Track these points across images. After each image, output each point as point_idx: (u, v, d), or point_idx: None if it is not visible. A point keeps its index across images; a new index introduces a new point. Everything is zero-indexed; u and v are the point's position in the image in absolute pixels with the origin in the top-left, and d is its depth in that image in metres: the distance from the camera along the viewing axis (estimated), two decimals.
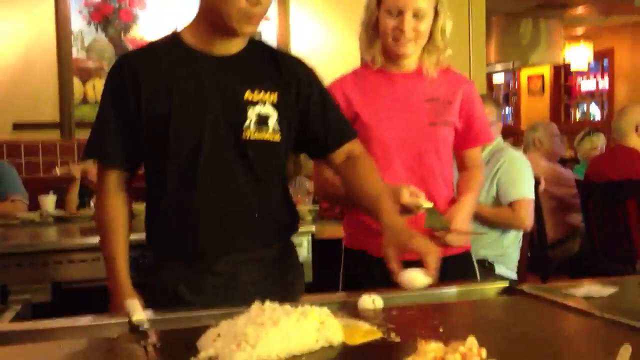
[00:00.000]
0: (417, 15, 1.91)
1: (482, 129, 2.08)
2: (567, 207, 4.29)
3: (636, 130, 3.76)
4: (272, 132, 1.63)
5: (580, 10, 7.97)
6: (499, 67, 9.45)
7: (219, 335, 1.19)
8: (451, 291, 1.70)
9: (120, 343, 1.30)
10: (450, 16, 1.99)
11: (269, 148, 1.64)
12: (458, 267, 1.99)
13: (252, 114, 1.61)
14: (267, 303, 1.29)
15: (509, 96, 11.68)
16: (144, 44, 1.74)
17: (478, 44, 5.21)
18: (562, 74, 10.51)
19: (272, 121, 1.63)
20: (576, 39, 8.81)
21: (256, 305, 1.28)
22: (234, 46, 1.64)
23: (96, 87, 4.93)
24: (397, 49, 1.94)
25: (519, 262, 3.25)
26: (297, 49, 4.89)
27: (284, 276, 1.73)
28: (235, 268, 1.65)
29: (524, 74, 10.99)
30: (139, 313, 1.36)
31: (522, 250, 3.26)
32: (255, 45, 1.69)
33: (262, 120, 1.62)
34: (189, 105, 1.59)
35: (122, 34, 4.98)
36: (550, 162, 4.45)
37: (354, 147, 1.79)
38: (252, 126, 1.61)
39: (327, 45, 5.10)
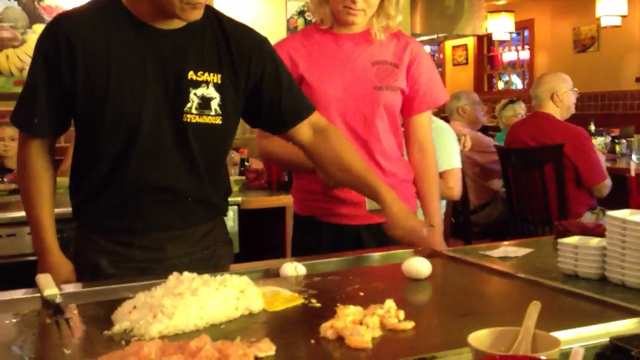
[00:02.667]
0: None
1: (429, 93, 2.01)
2: (488, 173, 4.41)
3: (552, 97, 3.88)
4: (214, 115, 1.56)
5: None
6: (424, 38, 9.56)
7: (134, 307, 1.17)
8: (373, 256, 1.73)
9: (32, 318, 1.25)
10: None
11: (210, 131, 1.56)
12: None
13: (194, 96, 1.53)
14: (185, 273, 1.27)
15: None
16: (59, 11, 1.62)
17: (403, 16, 5.23)
18: (485, 45, 10.74)
19: (215, 104, 1.55)
20: (498, 10, 8.98)
21: (174, 276, 1.26)
22: (179, 20, 1.52)
23: (10, 58, 4.70)
24: (347, 17, 1.89)
25: (442, 228, 3.32)
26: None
27: (211, 249, 1.69)
28: (161, 243, 1.61)
29: (449, 45, 11.16)
30: (51, 287, 1.31)
31: (446, 216, 3.33)
32: (204, 16, 1.53)
33: (205, 103, 1.54)
34: (128, 82, 1.50)
35: (35, 2, 4.75)
36: (472, 130, 4.55)
37: (317, 119, 1.71)
38: (194, 109, 1.53)
39: (251, 17, 5.02)
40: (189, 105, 1.53)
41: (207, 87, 1.55)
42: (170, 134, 1.54)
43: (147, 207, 1.58)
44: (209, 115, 1.55)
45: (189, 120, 1.54)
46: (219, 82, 1.56)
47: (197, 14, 1.48)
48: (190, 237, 1.64)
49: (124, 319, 1.15)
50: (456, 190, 3.12)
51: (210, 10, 1.59)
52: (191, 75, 1.53)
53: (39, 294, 1.34)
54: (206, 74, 1.55)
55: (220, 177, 1.69)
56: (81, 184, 1.62)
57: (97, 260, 1.59)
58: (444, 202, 3.25)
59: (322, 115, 1.74)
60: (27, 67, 1.61)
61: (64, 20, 1.53)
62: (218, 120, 1.57)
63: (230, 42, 1.59)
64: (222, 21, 1.61)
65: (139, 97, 1.51)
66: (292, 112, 1.69)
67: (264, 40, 1.67)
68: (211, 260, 1.66)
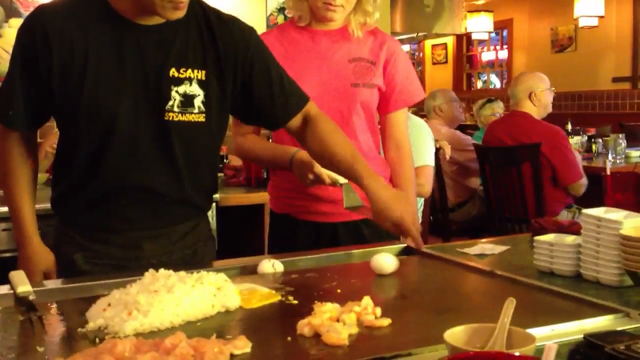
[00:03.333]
0: None
1: (405, 90, 2.00)
2: (467, 171, 4.44)
3: (529, 97, 3.92)
4: (197, 113, 1.52)
5: None
6: (404, 37, 9.59)
7: (109, 304, 1.16)
8: (351, 253, 1.73)
9: (4, 316, 1.23)
10: None
11: (193, 129, 1.53)
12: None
13: (176, 94, 1.50)
14: (162, 270, 1.26)
15: (414, 66, 11.91)
16: (35, 5, 1.59)
17: (382, 14, 5.23)
18: (464, 44, 10.80)
19: (198, 101, 1.52)
20: (477, 9, 9.04)
21: (149, 273, 1.25)
22: None
23: None
24: (326, 13, 1.88)
25: (421, 225, 3.33)
26: None
27: (192, 248, 1.67)
28: (138, 242, 1.59)
29: (428, 44, 11.21)
30: (24, 284, 1.29)
31: (423, 213, 3.35)
32: (190, 9, 1.49)
33: (187, 101, 1.51)
34: (105, 78, 1.47)
35: None
36: (451, 128, 4.58)
37: (309, 109, 1.68)
38: (176, 107, 1.50)
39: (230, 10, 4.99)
40: (170, 103, 1.50)
41: (190, 84, 1.52)
42: (150, 133, 1.51)
43: (124, 206, 1.56)
44: (192, 113, 1.52)
45: (171, 119, 1.51)
46: (204, 78, 1.53)
47: (179, 14, 1.45)
48: (168, 236, 1.62)
49: (98, 316, 1.13)
50: (426, 187, 3.13)
51: (195, 2, 1.55)
52: (173, 72, 1.50)
53: (12, 291, 1.32)
54: (189, 70, 1.52)
55: (204, 178, 1.65)
56: (60, 179, 1.60)
57: (72, 256, 1.58)
58: (421, 200, 3.27)
59: (314, 104, 1.70)
60: (3, 62, 1.59)
61: (42, 13, 1.50)
62: (201, 118, 1.54)
63: (216, 37, 1.55)
64: (207, 14, 1.57)
65: (116, 94, 1.48)
66: (285, 107, 1.65)
67: (251, 33, 1.63)
68: (192, 259, 1.64)
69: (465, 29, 8.73)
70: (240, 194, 3.28)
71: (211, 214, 3.09)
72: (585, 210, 1.41)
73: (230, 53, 1.56)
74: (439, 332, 0.93)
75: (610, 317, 1.16)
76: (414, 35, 9.11)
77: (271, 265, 1.52)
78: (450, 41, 10.76)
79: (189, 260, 1.63)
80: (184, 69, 1.51)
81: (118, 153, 1.51)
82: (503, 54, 10.24)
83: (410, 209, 1.60)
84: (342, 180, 1.79)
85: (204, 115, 1.54)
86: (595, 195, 3.89)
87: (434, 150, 3.23)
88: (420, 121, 3.29)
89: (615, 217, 1.36)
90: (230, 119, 1.71)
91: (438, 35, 9.70)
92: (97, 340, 1.07)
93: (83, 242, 1.58)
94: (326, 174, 1.79)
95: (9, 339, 1.12)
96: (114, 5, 1.49)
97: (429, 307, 1.29)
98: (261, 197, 3.22)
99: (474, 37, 9.34)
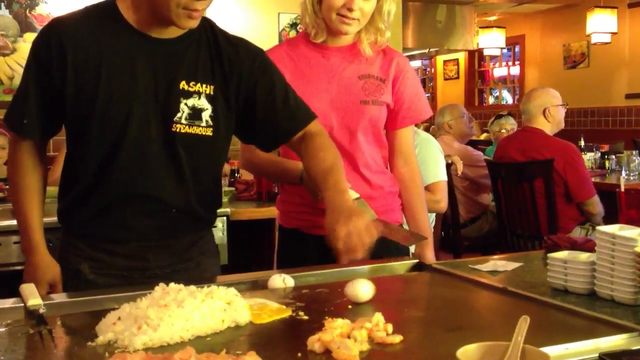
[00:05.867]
0: None
1: (413, 108, 2.01)
2: (479, 187, 4.42)
3: (543, 113, 3.90)
4: (204, 127, 1.55)
5: None
6: (416, 53, 9.64)
7: (119, 318, 1.15)
8: (363, 269, 1.72)
9: (15, 329, 1.23)
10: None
11: (200, 143, 1.56)
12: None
13: (185, 106, 1.53)
14: (172, 284, 1.25)
15: (426, 81, 11.94)
16: (50, 19, 1.61)
17: (394, 29, 5.26)
18: (476, 60, 10.81)
19: (206, 115, 1.55)
20: (489, 25, 9.06)
21: (160, 287, 1.25)
22: (175, 29, 1.52)
23: (0, 66, 4.68)
24: (341, 26, 1.88)
25: (432, 241, 3.31)
26: None
27: (195, 261, 1.67)
28: (143, 252, 1.60)
29: (440, 59, 11.24)
30: (35, 297, 1.29)
31: (435, 229, 3.33)
32: (201, 27, 1.54)
33: (196, 114, 1.54)
34: (117, 88, 1.50)
35: (27, 10, 4.74)
36: (462, 143, 4.56)
37: (311, 126, 1.69)
38: (184, 119, 1.53)
39: (243, 29, 5.03)
40: (178, 115, 1.53)
41: (199, 98, 1.55)
42: (158, 143, 1.53)
43: (130, 216, 1.57)
44: (199, 126, 1.55)
45: (178, 130, 1.53)
46: (212, 93, 1.56)
47: (193, 23, 1.48)
48: (174, 247, 1.63)
49: (108, 330, 1.13)
50: (443, 203, 3.12)
51: (206, 21, 1.59)
52: (183, 85, 1.53)
53: (22, 304, 1.32)
54: (198, 84, 1.55)
55: (209, 190, 1.67)
56: (68, 189, 1.61)
57: (78, 266, 1.59)
58: (432, 216, 3.25)
59: (318, 122, 1.71)
60: (17, 76, 1.61)
61: (58, 24, 1.54)
62: (209, 132, 1.56)
63: (222, 55, 1.59)
64: (216, 33, 1.61)
65: (128, 103, 1.50)
66: (289, 125, 1.67)
67: (257, 53, 1.66)
68: (195, 272, 1.65)
69: (477, 44, 8.75)
70: (251, 209, 3.28)
71: (222, 228, 3.10)
72: (599, 227, 1.40)
73: (235, 71, 1.59)
74: (452, 349, 0.92)
75: (625, 336, 1.14)
76: (426, 50, 9.17)
77: (282, 280, 1.52)
78: (462, 57, 10.79)
79: (192, 272, 1.64)
80: (194, 83, 1.55)
81: (127, 159, 1.52)
82: (515, 70, 10.25)
83: (355, 226, 1.42)
84: (355, 194, 1.78)
85: (211, 129, 1.56)
86: (609, 212, 3.86)
87: (444, 164, 3.22)
88: (428, 136, 3.28)
89: (630, 234, 1.34)
90: None
91: (450, 51, 9.76)
92: (106, 354, 1.06)
93: (89, 252, 1.59)
94: None
95: (18, 352, 1.12)
96: (127, 18, 1.52)
97: (441, 324, 1.27)
98: (272, 211, 3.20)
99: (485, 52, 9.35)
